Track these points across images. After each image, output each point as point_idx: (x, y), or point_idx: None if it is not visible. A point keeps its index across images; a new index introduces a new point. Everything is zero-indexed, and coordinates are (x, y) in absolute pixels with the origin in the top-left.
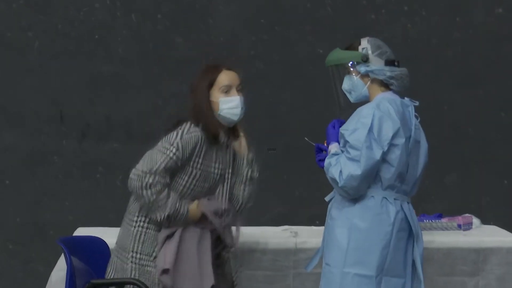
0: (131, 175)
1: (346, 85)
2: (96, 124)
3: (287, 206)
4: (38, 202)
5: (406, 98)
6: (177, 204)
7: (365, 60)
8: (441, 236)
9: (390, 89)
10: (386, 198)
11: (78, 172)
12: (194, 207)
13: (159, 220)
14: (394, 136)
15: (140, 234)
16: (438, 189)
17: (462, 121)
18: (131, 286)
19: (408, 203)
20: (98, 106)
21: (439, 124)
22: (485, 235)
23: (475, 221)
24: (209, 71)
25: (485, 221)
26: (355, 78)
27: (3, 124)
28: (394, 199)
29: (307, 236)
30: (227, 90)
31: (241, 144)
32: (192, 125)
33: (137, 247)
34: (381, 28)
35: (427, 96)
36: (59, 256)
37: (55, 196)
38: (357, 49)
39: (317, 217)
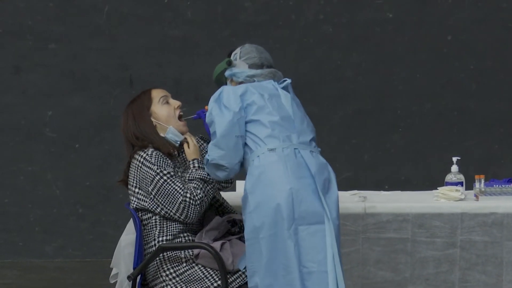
0: (182, 216)
1: None
2: (165, 87)
3: (355, 170)
4: (108, 166)
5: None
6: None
7: (229, 64)
8: (511, 201)
9: None
10: (273, 149)
11: None
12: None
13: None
14: (243, 95)
15: None
16: (508, 154)
17: None
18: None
19: (314, 152)
20: (166, 69)
21: (507, 88)
22: None
23: None
24: (139, 97)
25: None
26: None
27: (72, 88)
28: (283, 148)
29: (377, 201)
30: (166, 100)
31: (186, 151)
32: (145, 149)
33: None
34: None
35: (497, 61)
36: (128, 219)
37: (124, 160)
38: (230, 56)
39: (386, 182)
